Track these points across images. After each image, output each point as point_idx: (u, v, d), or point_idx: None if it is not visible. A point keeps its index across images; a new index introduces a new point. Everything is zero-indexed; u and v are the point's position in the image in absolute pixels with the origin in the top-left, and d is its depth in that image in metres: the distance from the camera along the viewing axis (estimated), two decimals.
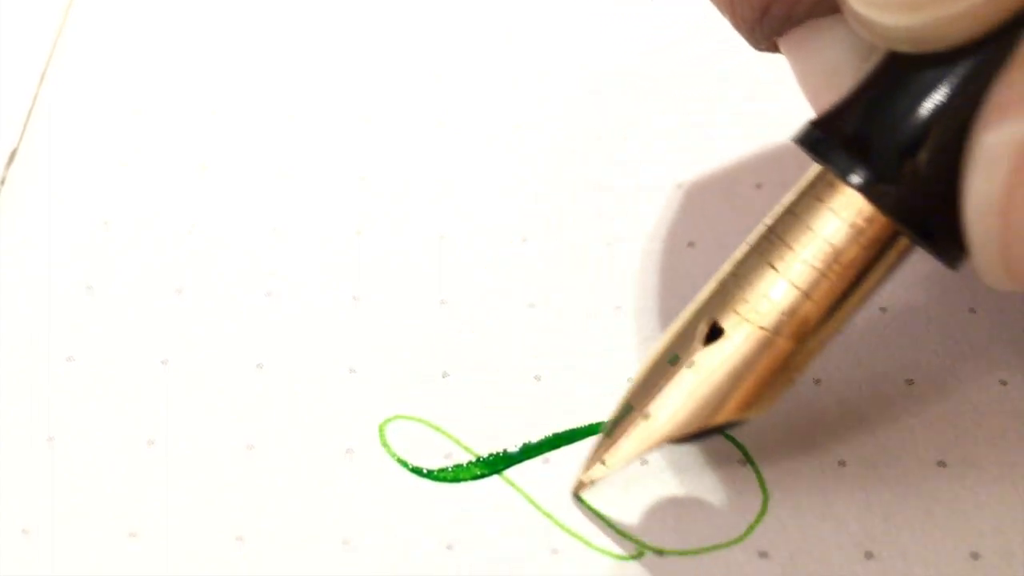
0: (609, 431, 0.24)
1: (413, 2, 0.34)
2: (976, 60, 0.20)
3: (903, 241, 0.22)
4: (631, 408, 0.24)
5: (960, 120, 0.20)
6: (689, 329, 0.23)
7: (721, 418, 0.23)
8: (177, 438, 0.26)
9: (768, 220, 0.23)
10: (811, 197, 0.22)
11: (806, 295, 0.22)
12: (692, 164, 0.30)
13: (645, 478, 0.25)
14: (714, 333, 0.23)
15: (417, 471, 0.25)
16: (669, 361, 0.23)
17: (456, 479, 0.25)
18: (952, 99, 0.21)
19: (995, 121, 0.20)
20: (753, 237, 0.23)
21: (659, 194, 0.30)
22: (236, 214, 0.29)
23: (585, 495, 0.25)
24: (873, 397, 0.26)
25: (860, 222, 0.22)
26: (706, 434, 0.24)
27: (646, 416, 0.23)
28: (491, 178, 0.30)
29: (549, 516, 0.25)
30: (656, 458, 0.25)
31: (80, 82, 0.32)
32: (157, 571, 0.24)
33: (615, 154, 0.31)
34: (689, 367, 0.23)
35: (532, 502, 0.25)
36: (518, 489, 0.25)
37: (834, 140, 0.22)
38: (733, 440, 0.26)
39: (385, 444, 0.26)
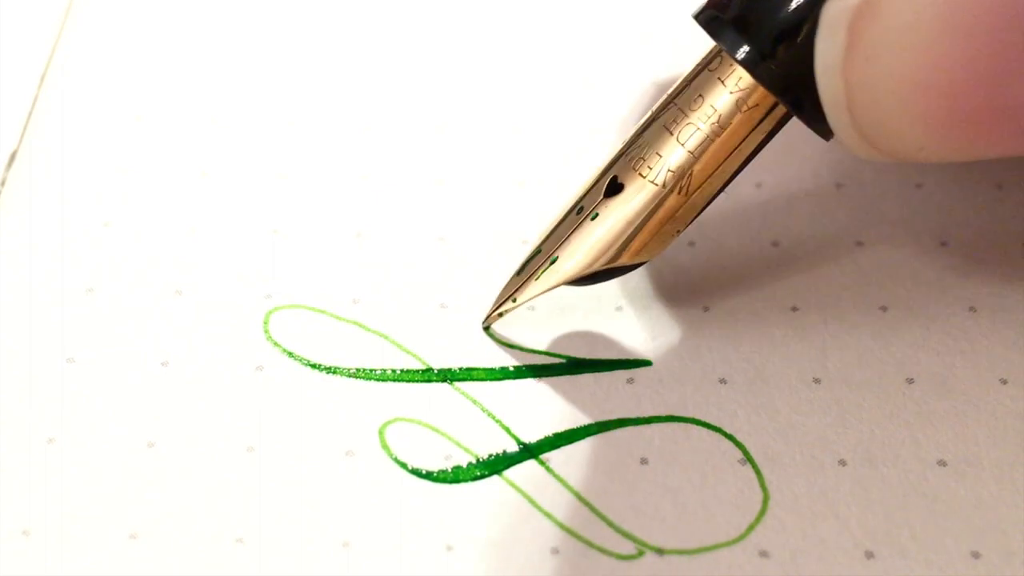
0: (520, 270, 0.27)
1: (412, 8, 0.34)
2: None
3: (779, 110, 0.25)
4: (540, 251, 0.26)
5: None
6: (596, 186, 0.26)
7: (616, 261, 0.26)
8: (177, 440, 0.26)
9: (671, 90, 0.26)
10: (705, 69, 0.25)
11: (693, 155, 0.25)
12: None
13: (645, 478, 0.25)
14: (615, 188, 0.26)
15: (417, 472, 0.25)
16: (576, 212, 0.26)
17: (456, 480, 0.25)
18: None
19: None
20: (656, 106, 0.26)
21: None
22: (236, 217, 0.29)
23: (586, 494, 0.25)
24: (873, 396, 0.26)
25: (742, 92, 0.25)
26: (603, 276, 0.26)
27: (553, 259, 0.26)
28: (490, 181, 0.30)
29: (549, 516, 0.25)
30: (656, 457, 0.25)
31: (80, 84, 0.32)
32: (157, 573, 0.24)
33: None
34: (592, 218, 0.26)
35: (532, 502, 0.25)
36: (518, 489, 0.25)
37: (726, 20, 0.25)
38: (733, 440, 0.26)
39: (385, 446, 0.26)
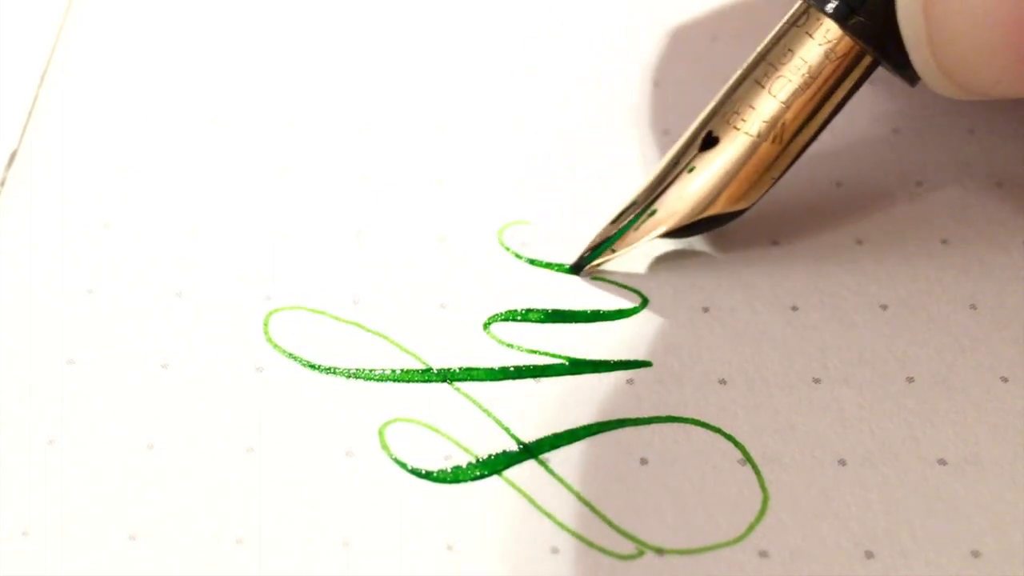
0: (615, 219, 0.28)
1: (412, 8, 0.34)
2: None
3: (867, 59, 0.26)
4: (635, 203, 0.28)
5: None
6: (691, 141, 0.27)
7: (714, 209, 0.27)
8: (177, 441, 0.26)
9: (759, 48, 0.27)
10: (793, 26, 0.27)
11: (785, 105, 0.27)
12: None
13: (645, 478, 0.25)
14: (710, 142, 0.27)
15: (417, 472, 0.25)
16: (672, 166, 0.27)
17: (456, 480, 0.25)
18: None
19: None
20: (745, 65, 0.27)
21: None
22: (236, 218, 0.29)
23: (586, 494, 0.25)
24: (873, 395, 0.26)
25: (830, 44, 0.26)
26: (701, 227, 0.28)
27: (652, 211, 0.27)
28: (490, 181, 0.30)
29: (549, 516, 0.25)
30: (656, 457, 0.25)
31: (80, 84, 0.32)
32: (157, 573, 0.24)
33: (616, 152, 0.31)
34: (689, 170, 0.27)
35: (532, 502, 0.25)
36: (518, 489, 0.25)
37: None
38: (733, 440, 0.26)
39: (385, 446, 0.26)
